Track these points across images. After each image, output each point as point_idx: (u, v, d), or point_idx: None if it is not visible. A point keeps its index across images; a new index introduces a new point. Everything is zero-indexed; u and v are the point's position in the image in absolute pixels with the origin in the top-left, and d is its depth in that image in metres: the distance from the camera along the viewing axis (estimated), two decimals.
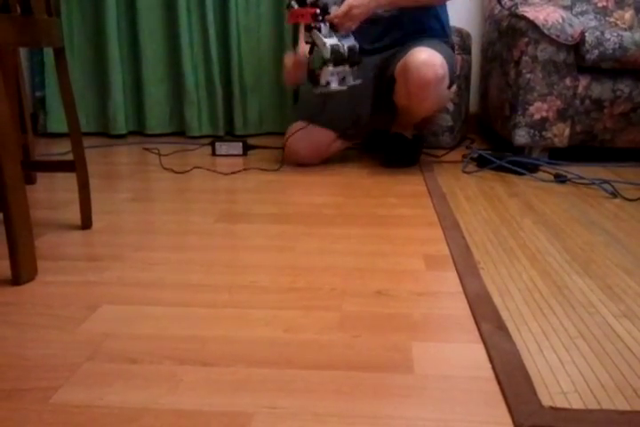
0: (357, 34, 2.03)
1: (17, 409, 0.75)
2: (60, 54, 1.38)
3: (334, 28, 1.95)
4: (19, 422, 0.73)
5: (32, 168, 1.63)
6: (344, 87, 1.99)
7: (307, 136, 2.15)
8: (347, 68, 1.97)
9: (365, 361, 0.87)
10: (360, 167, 2.22)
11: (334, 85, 1.97)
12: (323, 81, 1.96)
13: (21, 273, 1.14)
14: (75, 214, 1.58)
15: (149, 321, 1.00)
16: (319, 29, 1.94)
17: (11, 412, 0.75)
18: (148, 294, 1.10)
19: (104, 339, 0.93)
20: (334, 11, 1.94)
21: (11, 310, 1.04)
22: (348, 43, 1.96)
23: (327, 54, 1.92)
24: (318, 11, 1.94)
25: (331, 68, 1.94)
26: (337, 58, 1.93)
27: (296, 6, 1.96)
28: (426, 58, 1.95)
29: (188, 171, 2.14)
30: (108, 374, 0.83)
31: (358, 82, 2.02)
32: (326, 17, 1.94)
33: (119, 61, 2.89)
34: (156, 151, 2.51)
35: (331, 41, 1.93)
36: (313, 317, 1.01)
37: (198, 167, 2.19)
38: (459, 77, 2.55)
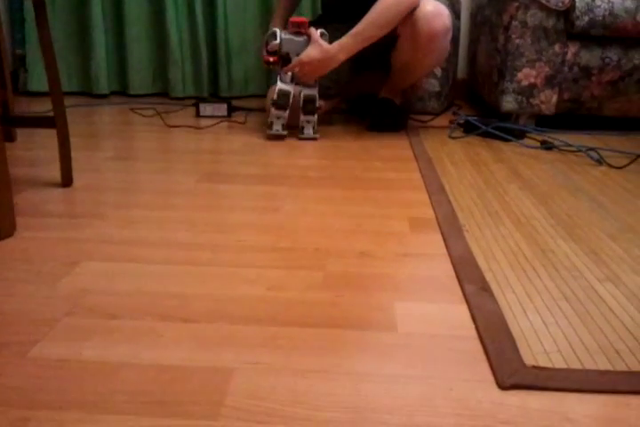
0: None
1: None
2: (39, 8, 1.34)
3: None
4: None
5: (11, 124, 1.59)
6: (284, 133, 2.03)
7: None
8: (285, 113, 2.00)
9: (349, 319, 0.87)
10: (346, 131, 2.20)
11: (275, 128, 2.02)
12: (269, 120, 2.03)
13: (0, 229, 1.12)
14: (55, 172, 1.56)
15: (130, 278, 0.98)
16: (280, 76, 2.01)
17: None
18: (129, 252, 1.09)
19: (84, 295, 0.92)
20: (295, 61, 1.96)
21: None
22: (309, 92, 2.00)
23: (275, 96, 1.99)
24: (271, 59, 1.99)
25: (273, 110, 1.99)
26: (280, 103, 1.98)
27: (264, 51, 2.02)
28: (433, 9, 1.95)
29: (177, 126, 2.11)
30: (88, 330, 0.82)
31: (316, 135, 2.04)
32: (284, 68, 1.99)
33: (102, 20, 2.82)
34: (148, 113, 2.47)
35: (283, 86, 1.99)
36: (297, 276, 1.00)
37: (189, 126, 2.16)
38: None
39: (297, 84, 2.02)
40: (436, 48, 2.01)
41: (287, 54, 1.99)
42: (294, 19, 2.00)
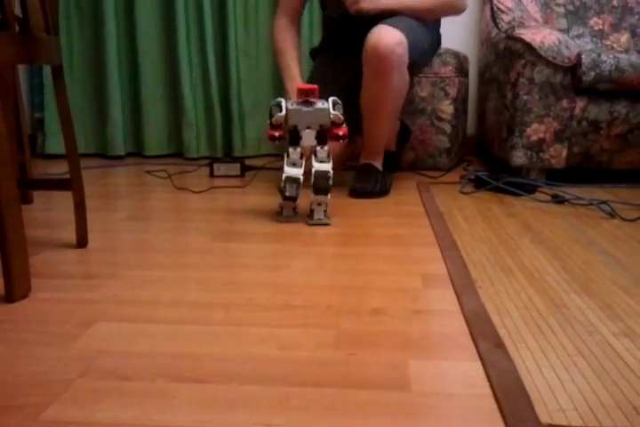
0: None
1: (6, 426, 0.74)
2: (58, 73, 1.39)
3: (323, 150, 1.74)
4: None
5: (28, 186, 1.62)
6: (295, 219, 1.78)
7: None
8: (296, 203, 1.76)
9: (361, 379, 0.86)
10: None
11: (286, 214, 1.78)
12: (279, 205, 1.79)
13: (15, 290, 1.13)
14: (71, 233, 1.58)
15: (144, 338, 0.98)
16: (288, 153, 1.75)
17: None
18: (143, 312, 1.09)
19: (97, 356, 0.92)
20: (307, 135, 1.73)
21: (3, 327, 1.03)
22: (321, 167, 1.72)
23: (281, 184, 1.73)
24: (277, 134, 1.74)
25: (281, 201, 1.76)
26: (288, 195, 1.74)
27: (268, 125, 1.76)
28: (381, 31, 1.96)
29: (205, 190, 2.14)
30: (101, 391, 0.82)
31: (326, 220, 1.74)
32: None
33: (118, 82, 2.91)
34: (163, 175, 2.51)
35: (291, 171, 1.72)
36: (309, 334, 1.00)
37: (217, 187, 2.19)
38: (456, 100, 2.56)
39: (309, 157, 1.76)
40: (388, 67, 1.97)
41: (295, 127, 1.73)
42: (302, 86, 1.74)
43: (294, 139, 1.74)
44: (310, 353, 0.94)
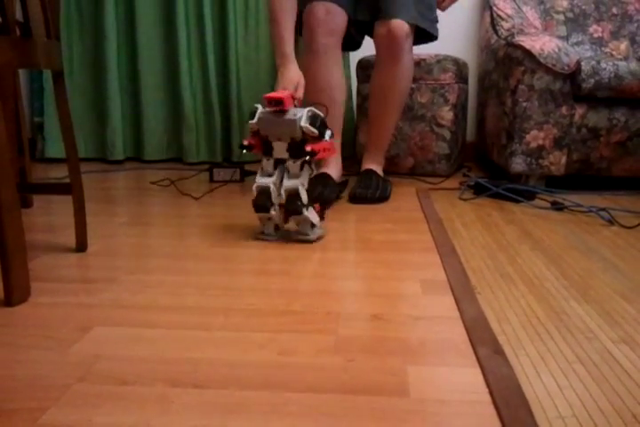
0: None
1: None
2: (58, 78, 1.39)
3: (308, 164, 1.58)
4: None
5: (28, 190, 1.62)
6: (274, 236, 1.62)
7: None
8: (272, 213, 1.57)
9: (360, 385, 0.86)
10: None
11: (266, 231, 1.62)
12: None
13: (14, 294, 1.13)
14: (70, 238, 1.58)
15: (142, 343, 0.98)
16: (262, 164, 1.60)
17: None
18: (141, 317, 1.09)
19: (96, 360, 0.92)
20: (278, 147, 1.56)
21: (2, 331, 1.02)
22: (291, 184, 1.54)
23: (254, 194, 1.58)
24: (245, 142, 1.60)
25: (255, 212, 1.58)
26: (259, 204, 1.56)
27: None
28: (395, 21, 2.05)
29: (204, 195, 2.14)
30: (98, 396, 0.82)
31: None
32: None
33: (118, 87, 2.91)
34: (165, 184, 2.51)
35: (262, 180, 1.57)
36: (308, 340, 1.00)
37: (216, 188, 2.19)
38: (455, 106, 2.57)
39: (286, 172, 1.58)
40: (401, 49, 2.08)
41: (267, 137, 1.57)
42: (269, 95, 1.52)
43: (267, 149, 1.58)
44: (309, 359, 0.94)
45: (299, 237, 1.60)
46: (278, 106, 1.52)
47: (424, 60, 2.57)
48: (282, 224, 1.62)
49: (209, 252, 1.49)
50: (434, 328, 1.05)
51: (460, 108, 2.62)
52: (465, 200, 2.11)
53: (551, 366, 0.91)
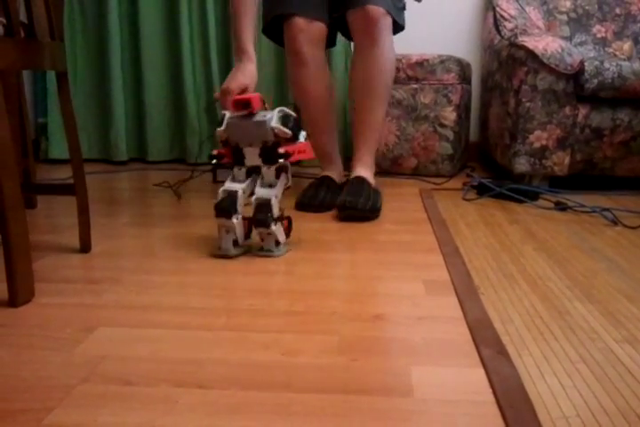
0: None
1: None
2: (62, 79, 1.39)
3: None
4: None
5: (32, 191, 1.63)
6: (234, 253, 1.46)
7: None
8: (233, 222, 1.43)
9: (364, 385, 0.86)
10: None
11: (224, 247, 1.46)
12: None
13: (18, 295, 1.13)
14: (74, 238, 1.58)
15: (146, 343, 0.99)
16: (233, 174, 1.50)
17: None
18: (145, 317, 1.09)
19: (100, 361, 0.92)
20: (249, 153, 1.45)
21: (6, 331, 1.03)
22: (264, 193, 1.45)
23: (218, 197, 1.45)
24: (215, 152, 1.49)
25: (215, 218, 1.43)
26: (222, 207, 1.42)
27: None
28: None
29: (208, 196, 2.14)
30: (103, 396, 0.82)
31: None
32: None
33: (121, 88, 2.92)
34: (166, 184, 2.52)
35: (231, 185, 1.46)
36: (311, 340, 1.00)
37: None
38: (458, 107, 2.57)
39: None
40: (379, 30, 1.95)
41: (237, 144, 1.46)
42: (237, 97, 1.46)
43: (238, 158, 1.47)
44: (313, 359, 0.94)
45: (263, 252, 1.47)
46: (246, 108, 1.44)
47: (427, 60, 2.57)
48: (242, 239, 1.48)
49: (212, 253, 1.49)
50: (437, 329, 1.05)
51: (463, 109, 2.62)
52: (468, 200, 2.11)
53: (555, 367, 0.91)
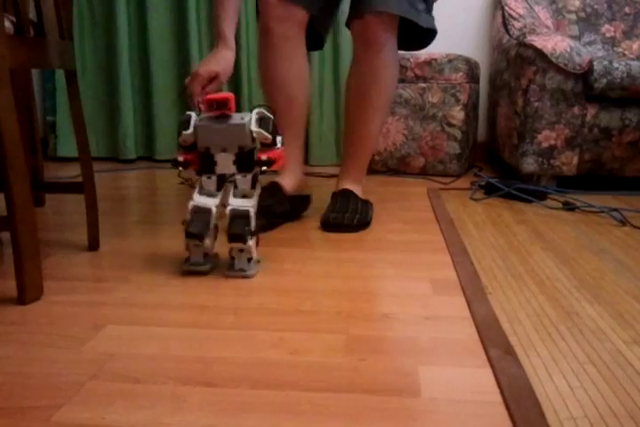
0: None
1: None
2: (71, 77, 1.40)
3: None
4: None
5: (41, 189, 1.63)
6: (204, 268, 1.33)
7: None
8: (205, 242, 1.30)
9: (371, 384, 0.86)
10: (364, 192, 2.22)
11: (193, 259, 1.34)
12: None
13: (27, 293, 1.14)
14: (82, 236, 1.59)
15: (154, 341, 0.99)
16: (201, 184, 1.34)
17: None
18: (153, 315, 1.10)
19: (108, 358, 0.93)
20: (222, 159, 1.31)
21: (15, 329, 1.03)
22: (240, 204, 1.30)
23: (188, 216, 1.31)
24: (181, 158, 1.33)
25: (185, 238, 1.30)
26: (192, 230, 1.27)
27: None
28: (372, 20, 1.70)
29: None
30: (111, 394, 0.82)
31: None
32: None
33: (130, 87, 2.93)
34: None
35: (200, 200, 1.31)
36: (319, 339, 1.00)
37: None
38: (466, 106, 2.56)
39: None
40: (381, 39, 1.72)
41: (207, 150, 1.32)
42: (212, 96, 1.29)
43: (207, 165, 1.33)
44: (320, 358, 0.94)
45: (235, 273, 1.32)
46: (223, 109, 1.29)
47: (435, 59, 2.57)
48: (212, 251, 1.36)
49: (219, 251, 1.49)
50: (445, 328, 1.05)
51: (471, 108, 2.62)
52: (476, 200, 2.11)
53: (562, 367, 0.91)
